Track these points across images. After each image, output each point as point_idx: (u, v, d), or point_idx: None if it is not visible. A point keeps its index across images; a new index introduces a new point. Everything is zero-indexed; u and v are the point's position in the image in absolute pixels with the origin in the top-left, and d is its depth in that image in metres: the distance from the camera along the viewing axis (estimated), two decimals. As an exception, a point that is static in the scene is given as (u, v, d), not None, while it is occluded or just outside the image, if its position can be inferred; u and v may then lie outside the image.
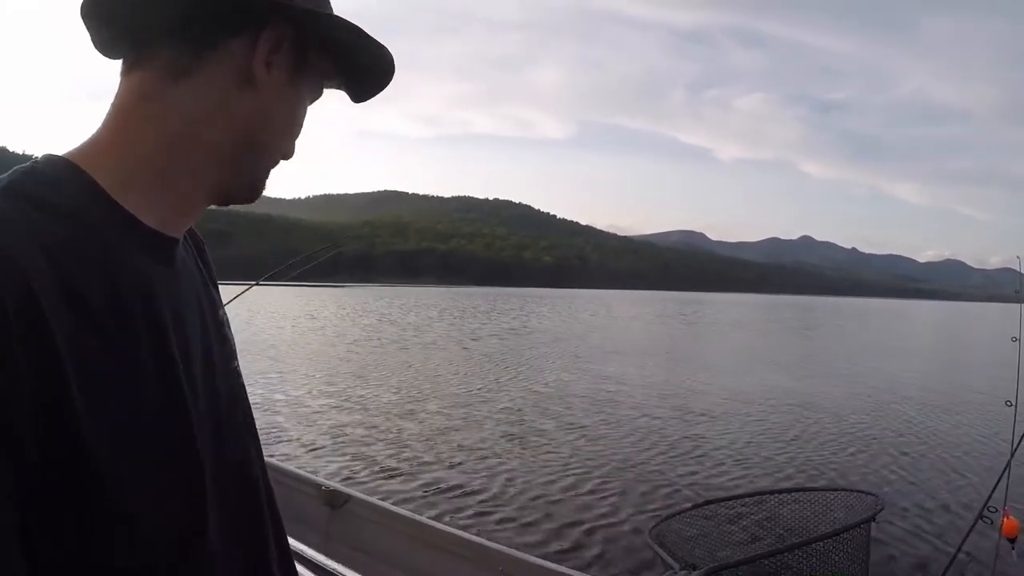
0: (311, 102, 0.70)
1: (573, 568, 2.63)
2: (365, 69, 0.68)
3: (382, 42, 0.64)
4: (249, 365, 12.18)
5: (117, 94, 0.60)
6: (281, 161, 0.68)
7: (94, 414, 0.48)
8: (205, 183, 0.62)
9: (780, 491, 1.92)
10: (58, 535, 0.47)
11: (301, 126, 0.67)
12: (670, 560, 1.81)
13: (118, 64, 0.60)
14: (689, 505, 1.89)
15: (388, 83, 0.70)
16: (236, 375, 0.70)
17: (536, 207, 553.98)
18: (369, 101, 0.73)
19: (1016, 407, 2.49)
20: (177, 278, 0.62)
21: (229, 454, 0.64)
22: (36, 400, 0.45)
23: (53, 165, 0.55)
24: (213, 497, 0.58)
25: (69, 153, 0.57)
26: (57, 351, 0.47)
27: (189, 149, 0.59)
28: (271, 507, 0.71)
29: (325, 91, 0.71)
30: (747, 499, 1.93)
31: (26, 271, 0.47)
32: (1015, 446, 2.36)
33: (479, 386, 11.70)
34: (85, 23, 0.61)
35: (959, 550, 2.23)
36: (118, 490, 0.49)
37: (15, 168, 0.54)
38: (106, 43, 0.63)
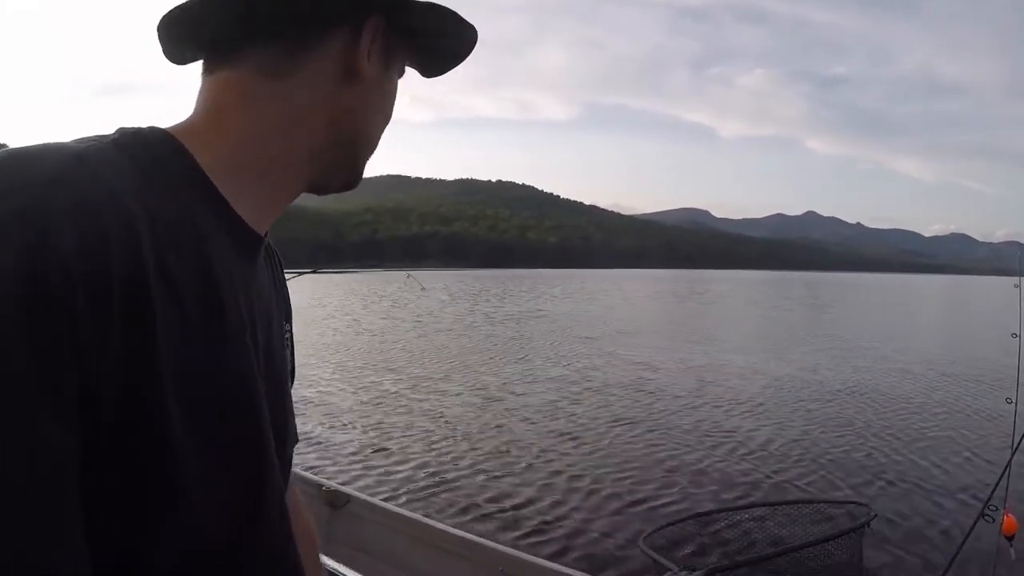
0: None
1: (573, 568, 2.64)
2: (447, 49, 0.66)
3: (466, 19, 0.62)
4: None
5: (205, 90, 0.57)
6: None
7: (175, 404, 0.45)
8: (299, 178, 0.60)
9: (773, 503, 1.92)
10: (117, 534, 0.44)
11: (393, 110, 0.66)
12: (667, 563, 1.82)
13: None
14: (680, 517, 1.90)
15: (466, 57, 0.67)
16: (289, 396, 0.67)
17: (540, 188, 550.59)
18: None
19: (1016, 404, 2.46)
20: (256, 280, 0.58)
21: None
22: (125, 377, 0.42)
23: (158, 135, 0.52)
24: (272, 512, 0.56)
25: (168, 129, 0.54)
26: (154, 332, 0.43)
27: (288, 148, 0.57)
28: None
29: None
30: (737, 511, 1.92)
31: (140, 238, 0.43)
32: (1016, 444, 2.34)
33: (506, 377, 11.40)
34: (161, 31, 0.59)
35: (960, 549, 2.22)
36: (185, 483, 0.46)
37: (120, 127, 0.51)
38: (180, 49, 0.60)
